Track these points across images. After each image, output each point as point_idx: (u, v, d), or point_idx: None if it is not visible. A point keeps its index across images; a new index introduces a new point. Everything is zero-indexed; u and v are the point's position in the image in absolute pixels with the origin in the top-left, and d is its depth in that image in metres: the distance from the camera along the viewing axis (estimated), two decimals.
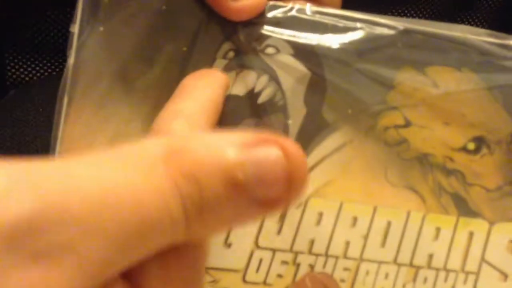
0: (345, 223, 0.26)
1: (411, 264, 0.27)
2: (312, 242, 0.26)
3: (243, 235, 0.26)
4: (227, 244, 0.25)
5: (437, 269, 0.27)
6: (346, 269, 0.26)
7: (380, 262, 0.26)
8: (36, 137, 0.55)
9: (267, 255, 0.25)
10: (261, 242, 0.26)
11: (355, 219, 0.26)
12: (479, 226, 0.28)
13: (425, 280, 0.26)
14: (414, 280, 0.26)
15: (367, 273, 0.26)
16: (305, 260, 0.26)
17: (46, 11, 0.67)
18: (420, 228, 0.27)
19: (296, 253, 0.26)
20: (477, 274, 0.27)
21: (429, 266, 0.27)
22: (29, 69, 0.69)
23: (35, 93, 0.63)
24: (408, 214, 0.27)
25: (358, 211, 0.26)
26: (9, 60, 0.68)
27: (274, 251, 0.25)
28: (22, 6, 0.66)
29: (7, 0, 0.64)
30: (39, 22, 0.67)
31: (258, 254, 0.25)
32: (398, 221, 0.26)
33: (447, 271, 0.27)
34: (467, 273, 0.27)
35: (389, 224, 0.27)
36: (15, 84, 0.69)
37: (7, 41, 0.67)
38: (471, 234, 0.28)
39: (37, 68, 0.69)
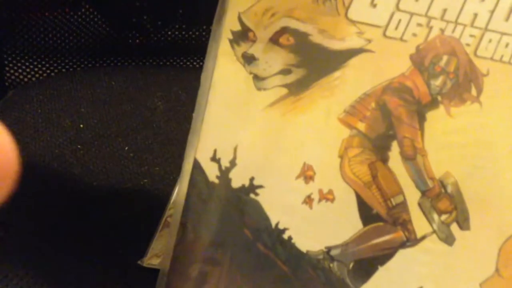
0: None
1: None
2: (444, 11, 0.30)
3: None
4: (373, 5, 0.30)
5: None
6: (472, 35, 0.30)
7: (502, 33, 0.29)
8: (34, 138, 0.56)
9: (405, 16, 0.30)
10: (401, 6, 0.31)
11: None
12: None
13: None
14: None
15: (490, 41, 0.30)
16: (437, 25, 0.30)
17: (45, 12, 0.67)
18: None
19: (430, 18, 0.30)
20: None
21: None
22: (28, 70, 0.69)
23: (33, 94, 0.63)
24: None
25: None
26: (8, 61, 0.68)
27: (411, 14, 0.30)
28: (21, 7, 0.66)
29: (6, 1, 0.64)
30: (38, 23, 0.67)
31: (397, 15, 0.30)
32: None
33: None
34: None
35: None
36: (14, 85, 0.69)
37: (5, 42, 0.68)
38: None
39: (36, 69, 0.69)
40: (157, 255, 0.43)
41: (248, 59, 0.32)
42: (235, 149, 0.32)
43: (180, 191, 0.34)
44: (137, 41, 0.71)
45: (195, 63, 0.74)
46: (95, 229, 0.46)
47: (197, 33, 0.72)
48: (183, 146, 0.54)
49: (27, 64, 0.69)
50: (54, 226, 0.46)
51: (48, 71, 0.70)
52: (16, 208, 0.48)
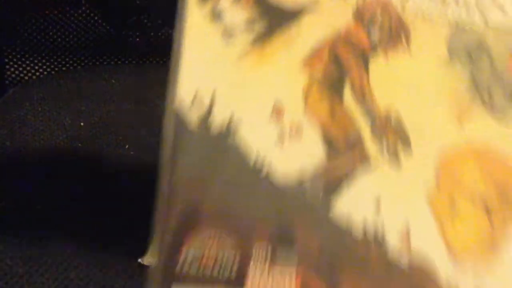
0: None
1: None
2: None
3: None
4: None
5: None
6: None
7: None
8: (35, 136, 0.56)
9: None
10: None
11: None
12: None
13: None
14: None
15: (414, 1, 0.37)
16: None
17: (45, 10, 0.67)
18: None
19: None
20: None
21: None
22: (28, 68, 0.69)
23: (33, 92, 0.63)
24: None
25: None
26: (8, 59, 0.68)
27: None
28: (21, 5, 0.66)
29: (6, 1, 0.64)
30: (38, 22, 0.67)
31: None
32: None
33: None
34: None
35: None
36: (14, 83, 0.69)
37: (6, 40, 0.68)
38: None
39: (36, 67, 0.69)
40: None
41: (216, 16, 0.36)
42: (212, 97, 0.36)
43: (165, 147, 0.36)
44: (137, 39, 0.72)
45: None
46: (96, 227, 0.47)
47: None
48: None
49: (27, 62, 0.69)
50: (55, 224, 0.47)
51: (49, 70, 0.70)
52: (16, 206, 0.48)
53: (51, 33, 0.68)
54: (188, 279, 0.34)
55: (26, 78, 0.69)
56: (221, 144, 0.36)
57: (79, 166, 0.53)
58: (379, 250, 0.36)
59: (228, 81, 0.36)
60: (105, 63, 0.72)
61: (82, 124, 0.58)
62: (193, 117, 0.36)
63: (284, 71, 0.37)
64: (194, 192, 0.36)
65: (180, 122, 0.36)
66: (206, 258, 0.35)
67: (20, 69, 0.69)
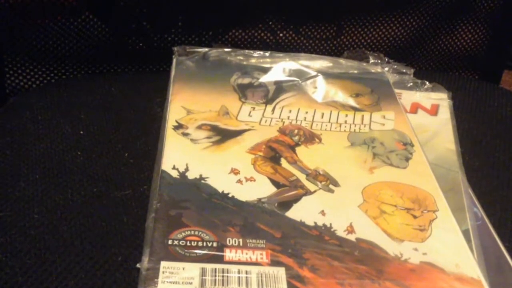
0: None
1: None
2: (288, 117, 0.63)
3: None
4: (250, 115, 0.62)
5: None
6: (306, 121, 0.62)
7: (322, 122, 0.62)
8: (35, 145, 0.56)
9: (268, 118, 0.62)
10: (265, 114, 0.63)
11: None
12: None
13: None
14: None
15: (316, 124, 0.61)
16: (286, 120, 0.62)
17: (45, 19, 0.67)
18: None
19: (281, 119, 0.62)
20: None
21: None
22: (28, 77, 0.69)
23: (34, 100, 0.63)
24: None
25: None
26: (8, 68, 0.68)
27: (271, 118, 0.62)
28: (21, 14, 0.66)
29: (6, 8, 0.65)
30: (38, 30, 0.67)
31: (264, 118, 0.62)
32: None
33: None
34: None
35: None
36: (14, 92, 0.69)
37: (6, 49, 0.68)
38: None
39: (36, 76, 0.70)
40: None
41: (185, 135, 0.57)
42: (187, 165, 0.52)
43: (154, 184, 0.51)
44: (137, 47, 0.72)
45: None
46: (95, 234, 0.47)
47: (196, 39, 0.73)
48: None
49: (27, 71, 0.69)
50: (54, 231, 0.47)
51: (49, 78, 0.70)
52: (15, 214, 0.48)
53: (51, 42, 0.68)
54: (174, 256, 0.43)
55: (26, 86, 0.70)
56: (195, 184, 0.50)
57: (78, 174, 0.53)
58: (330, 233, 0.47)
59: (195, 160, 0.53)
60: (104, 71, 0.72)
61: (81, 132, 0.58)
62: (173, 174, 0.51)
63: (235, 154, 0.55)
64: (175, 208, 0.48)
65: (164, 176, 0.51)
66: (191, 237, 0.45)
67: (20, 77, 0.69)
